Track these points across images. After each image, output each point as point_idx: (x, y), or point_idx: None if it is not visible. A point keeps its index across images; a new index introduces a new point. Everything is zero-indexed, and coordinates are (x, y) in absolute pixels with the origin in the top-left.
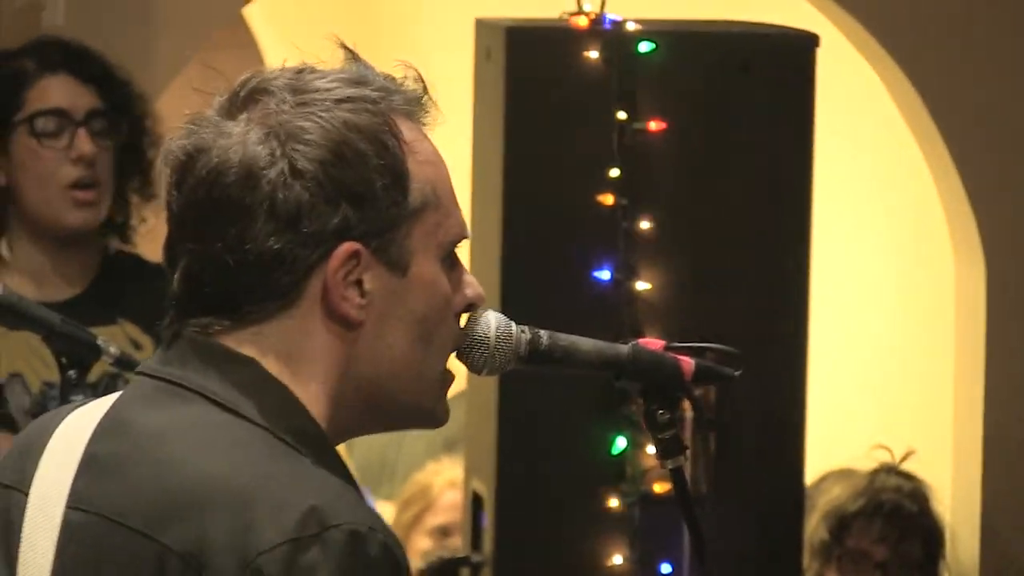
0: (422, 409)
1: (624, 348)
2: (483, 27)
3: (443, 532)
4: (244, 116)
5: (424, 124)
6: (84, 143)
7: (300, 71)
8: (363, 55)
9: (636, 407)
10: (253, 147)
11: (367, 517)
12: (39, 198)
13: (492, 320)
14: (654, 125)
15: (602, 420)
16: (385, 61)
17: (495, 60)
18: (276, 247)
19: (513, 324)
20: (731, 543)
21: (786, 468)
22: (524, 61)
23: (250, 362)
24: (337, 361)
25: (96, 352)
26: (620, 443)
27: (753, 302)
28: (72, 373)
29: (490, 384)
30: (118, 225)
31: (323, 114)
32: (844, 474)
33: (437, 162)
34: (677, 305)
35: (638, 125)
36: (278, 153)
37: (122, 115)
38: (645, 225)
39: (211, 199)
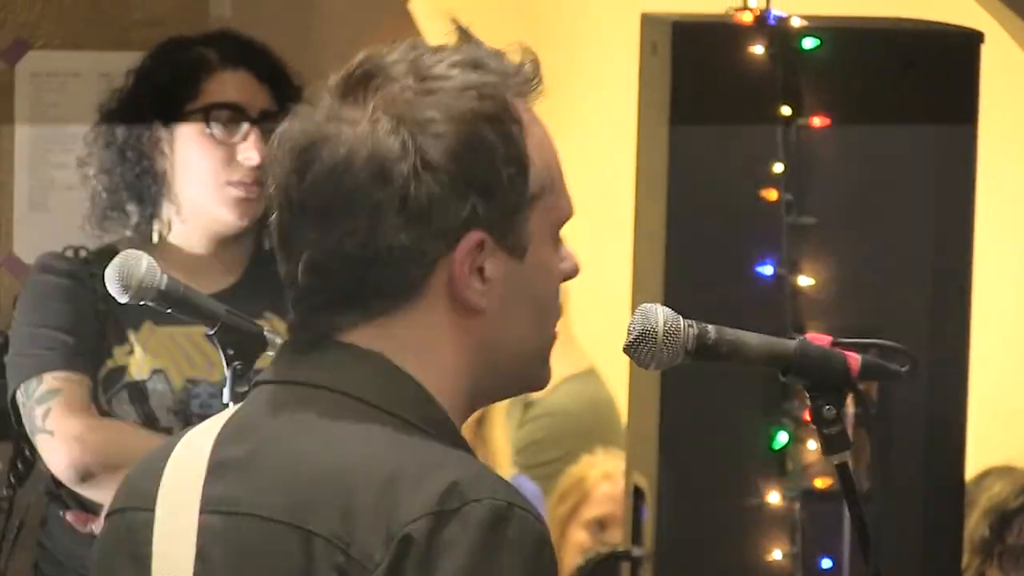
0: (529, 377)
1: (791, 343)
2: (649, 21)
3: (599, 524)
4: (368, 102)
5: (534, 101)
6: (256, 144)
7: (415, 50)
8: (529, 48)
9: (798, 402)
10: (383, 139)
11: (507, 492)
12: (198, 189)
13: (660, 314)
14: (818, 121)
15: (763, 415)
16: (550, 55)
17: (661, 54)
18: (406, 242)
19: (681, 318)
20: (891, 539)
21: (947, 464)
22: (689, 56)
23: (379, 357)
24: (462, 348)
25: (263, 343)
26: (781, 438)
27: (915, 298)
28: (238, 364)
29: (652, 378)
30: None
31: (450, 103)
32: (1006, 471)
33: (549, 144)
34: (839, 300)
35: (802, 121)
36: (409, 146)
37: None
38: (808, 220)
39: (339, 192)
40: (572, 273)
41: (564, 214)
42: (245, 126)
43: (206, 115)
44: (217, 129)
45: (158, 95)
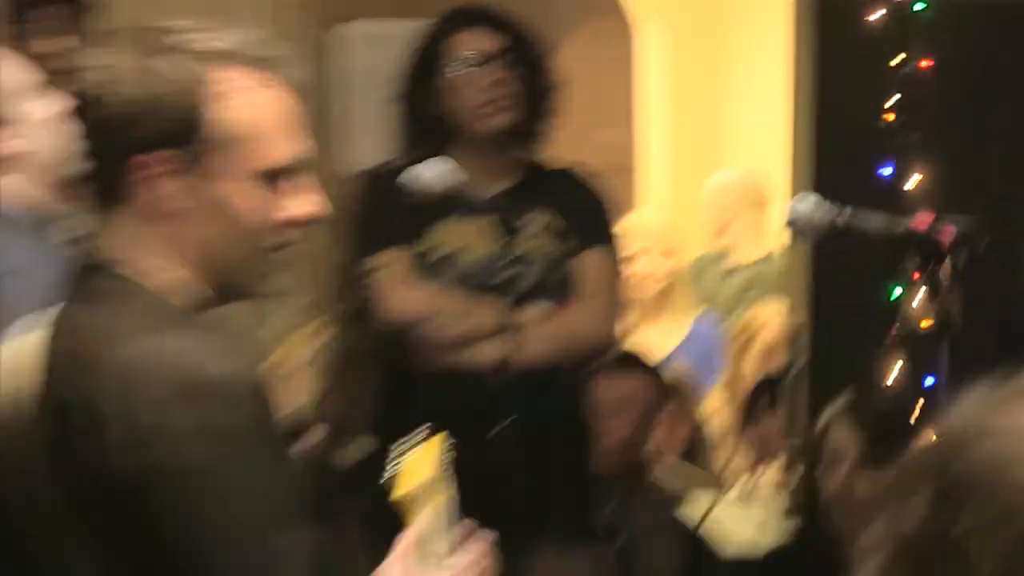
0: (238, 281)
1: (904, 222)
2: None
3: (764, 355)
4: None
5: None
6: (498, 71)
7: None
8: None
9: (910, 265)
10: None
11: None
12: (467, 113)
13: (812, 200)
14: (924, 63)
15: (885, 274)
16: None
17: (811, 15)
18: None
19: (828, 203)
20: (974, 358)
21: (1015, 300)
22: (831, 16)
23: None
24: (167, 243)
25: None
26: (896, 291)
27: (1002, 191)
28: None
29: (805, 248)
30: (525, 135)
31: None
32: None
33: (258, 107)
34: (940, 193)
35: (912, 64)
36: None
37: (525, 54)
38: (916, 136)
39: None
40: (289, 219)
41: (263, 163)
42: (491, 62)
43: (461, 61)
44: (461, 70)
45: (432, 56)
